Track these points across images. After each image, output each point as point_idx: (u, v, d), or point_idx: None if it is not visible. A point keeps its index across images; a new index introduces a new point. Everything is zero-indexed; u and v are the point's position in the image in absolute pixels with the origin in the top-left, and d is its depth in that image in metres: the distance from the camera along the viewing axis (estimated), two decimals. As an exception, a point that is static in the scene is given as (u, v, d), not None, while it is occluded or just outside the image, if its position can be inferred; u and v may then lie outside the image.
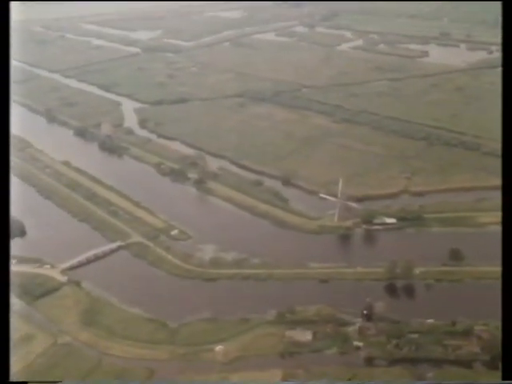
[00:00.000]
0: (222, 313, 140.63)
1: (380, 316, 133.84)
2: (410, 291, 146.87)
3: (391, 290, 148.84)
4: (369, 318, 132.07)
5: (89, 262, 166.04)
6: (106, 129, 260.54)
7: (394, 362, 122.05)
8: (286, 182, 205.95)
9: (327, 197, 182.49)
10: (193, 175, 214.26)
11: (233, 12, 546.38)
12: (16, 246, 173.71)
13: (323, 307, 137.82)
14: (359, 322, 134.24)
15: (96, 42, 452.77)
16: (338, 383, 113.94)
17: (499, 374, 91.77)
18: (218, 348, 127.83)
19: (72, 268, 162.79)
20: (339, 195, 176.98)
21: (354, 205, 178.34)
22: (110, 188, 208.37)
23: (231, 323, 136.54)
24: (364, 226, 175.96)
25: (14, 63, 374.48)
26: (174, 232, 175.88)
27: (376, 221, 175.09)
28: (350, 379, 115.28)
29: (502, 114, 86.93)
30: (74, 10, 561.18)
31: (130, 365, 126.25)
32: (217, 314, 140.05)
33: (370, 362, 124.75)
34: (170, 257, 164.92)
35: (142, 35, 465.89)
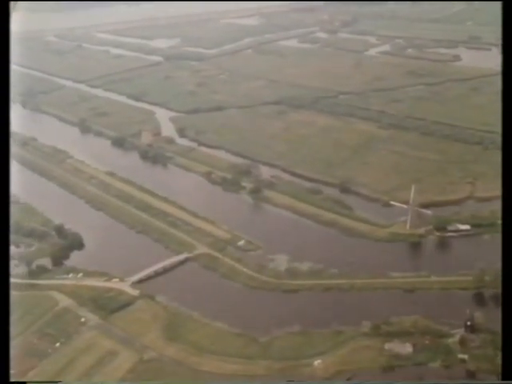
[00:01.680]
0: (311, 325, 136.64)
1: (480, 327, 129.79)
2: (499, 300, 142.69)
3: (479, 299, 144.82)
4: (472, 329, 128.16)
5: (157, 274, 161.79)
6: (146, 138, 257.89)
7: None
8: (345, 190, 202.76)
9: (398, 204, 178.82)
10: (246, 184, 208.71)
11: (249, 19, 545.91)
12: (76, 259, 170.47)
13: (419, 318, 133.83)
14: (458, 333, 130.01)
15: (114, 51, 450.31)
16: (337, 383, 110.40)
17: None
18: (317, 362, 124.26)
19: (141, 281, 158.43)
20: (411, 202, 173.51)
21: (426, 211, 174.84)
22: (163, 198, 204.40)
23: (324, 336, 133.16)
24: (437, 233, 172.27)
25: (34, 73, 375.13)
26: (241, 242, 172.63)
27: (450, 228, 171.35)
28: (349, 379, 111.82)
29: (502, 114, 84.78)
30: (86, 19, 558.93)
31: (225, 381, 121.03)
32: (306, 327, 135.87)
33: (473, 375, 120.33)
34: (242, 268, 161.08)
35: (161, 43, 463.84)
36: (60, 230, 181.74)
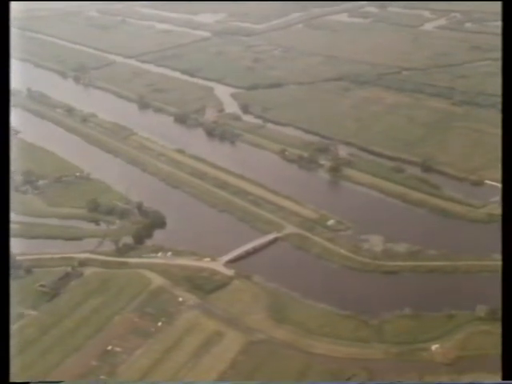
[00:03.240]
0: (420, 308, 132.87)
1: None
2: None
3: None
4: None
5: (248, 254, 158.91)
6: (210, 114, 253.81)
7: None
8: (428, 169, 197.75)
9: (493, 183, 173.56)
10: (324, 162, 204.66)
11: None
12: (159, 238, 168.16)
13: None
14: None
15: (160, 26, 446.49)
16: (337, 383, 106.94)
17: None
18: (435, 347, 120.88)
19: (233, 261, 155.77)
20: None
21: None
22: (239, 176, 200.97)
23: (436, 320, 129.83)
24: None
25: (82, 48, 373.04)
26: (331, 222, 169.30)
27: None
28: (349, 379, 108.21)
29: (502, 115, 79.29)
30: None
31: (341, 365, 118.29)
32: (416, 310, 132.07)
33: None
34: (337, 248, 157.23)
35: (206, 18, 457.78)
36: (141, 208, 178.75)
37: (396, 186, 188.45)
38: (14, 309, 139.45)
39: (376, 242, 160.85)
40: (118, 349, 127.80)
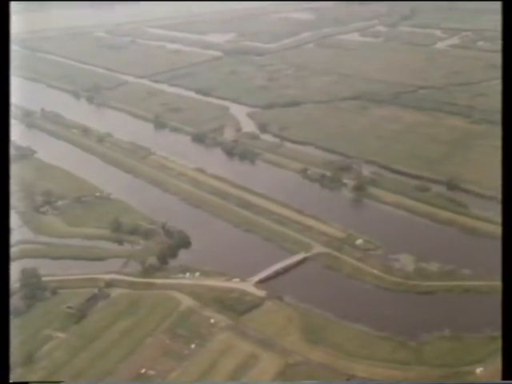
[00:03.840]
0: (459, 330, 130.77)
1: None
2: None
3: None
4: None
5: (277, 274, 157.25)
6: (229, 134, 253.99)
7: None
8: (453, 187, 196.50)
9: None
10: (348, 181, 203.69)
11: (302, 13, 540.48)
12: (184, 258, 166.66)
13: None
14: None
15: (170, 46, 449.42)
16: (337, 383, 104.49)
17: None
18: (479, 370, 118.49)
19: (263, 281, 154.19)
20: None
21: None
22: (261, 195, 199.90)
23: (478, 341, 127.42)
24: None
25: (93, 68, 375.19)
26: (359, 241, 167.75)
27: None
28: (349, 379, 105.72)
29: (502, 115, 78.37)
30: (129, 13, 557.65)
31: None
32: (455, 331, 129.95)
33: None
34: (368, 268, 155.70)
35: (217, 38, 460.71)
36: (166, 228, 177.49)
37: (422, 205, 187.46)
38: (42, 331, 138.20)
39: (407, 262, 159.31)
40: (151, 372, 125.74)
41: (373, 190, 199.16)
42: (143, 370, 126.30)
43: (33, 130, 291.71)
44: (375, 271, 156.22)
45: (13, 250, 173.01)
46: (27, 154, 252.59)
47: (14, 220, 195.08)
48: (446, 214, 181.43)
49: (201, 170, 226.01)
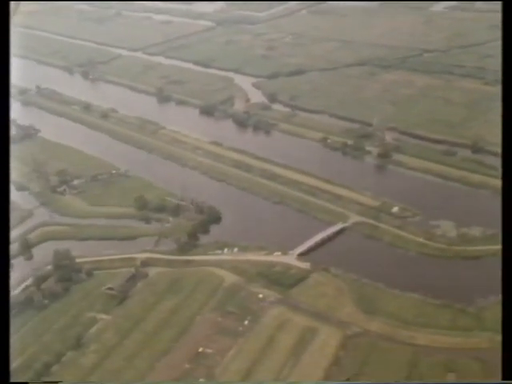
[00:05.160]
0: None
1: None
2: None
3: None
4: None
5: (317, 246, 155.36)
6: (240, 105, 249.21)
7: None
8: (478, 150, 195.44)
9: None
10: (371, 148, 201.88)
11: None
12: (217, 233, 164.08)
13: None
14: None
15: (158, 17, 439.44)
16: (337, 383, 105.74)
17: None
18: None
19: (305, 254, 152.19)
20: None
21: None
22: (285, 166, 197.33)
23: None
24: None
25: (82, 43, 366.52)
26: (395, 209, 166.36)
27: None
28: (348, 379, 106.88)
29: (502, 116, 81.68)
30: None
31: (450, 356, 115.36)
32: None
33: None
34: (409, 236, 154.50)
35: (205, 8, 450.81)
36: (196, 204, 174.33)
37: (452, 169, 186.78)
38: (84, 313, 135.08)
39: (448, 228, 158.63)
40: (209, 350, 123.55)
41: (398, 157, 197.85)
42: (200, 349, 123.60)
43: (30, 108, 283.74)
44: (417, 238, 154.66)
45: (35, 233, 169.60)
46: (31, 133, 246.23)
47: (31, 202, 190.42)
48: (477, 177, 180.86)
49: (217, 143, 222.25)
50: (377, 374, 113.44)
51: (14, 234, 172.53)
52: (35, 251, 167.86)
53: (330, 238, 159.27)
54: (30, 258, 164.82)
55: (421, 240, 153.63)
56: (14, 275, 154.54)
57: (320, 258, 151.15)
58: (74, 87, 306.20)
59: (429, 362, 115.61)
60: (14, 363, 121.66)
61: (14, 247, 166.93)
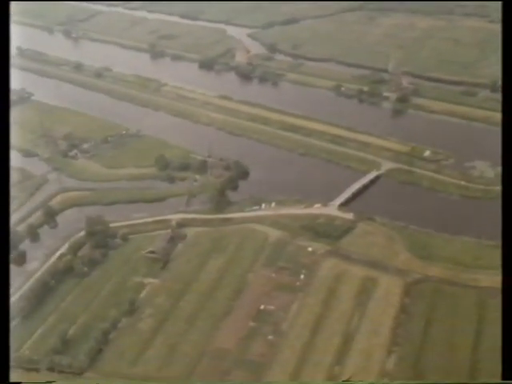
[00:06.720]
0: None
1: None
2: None
3: None
4: None
5: (355, 195, 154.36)
6: (241, 57, 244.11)
7: None
8: (497, 89, 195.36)
9: None
10: (388, 94, 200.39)
11: None
12: (248, 189, 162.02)
13: None
14: None
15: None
16: (337, 383, 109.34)
17: None
18: None
19: (345, 204, 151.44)
20: None
21: None
22: (304, 117, 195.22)
23: None
24: None
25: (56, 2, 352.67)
26: (427, 153, 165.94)
27: None
28: (349, 379, 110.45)
29: (502, 116, 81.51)
30: None
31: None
32: None
33: None
34: (447, 179, 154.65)
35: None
36: (222, 160, 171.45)
37: (475, 110, 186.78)
38: (129, 279, 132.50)
39: (484, 168, 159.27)
40: (270, 307, 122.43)
41: (418, 101, 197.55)
42: (262, 307, 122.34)
43: (16, 71, 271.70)
44: (456, 181, 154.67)
45: (56, 200, 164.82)
46: (24, 96, 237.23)
47: (42, 168, 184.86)
48: (499, 116, 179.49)
49: (226, 97, 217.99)
50: (447, 319, 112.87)
51: (33, 202, 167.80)
52: (59, 219, 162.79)
53: (366, 187, 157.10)
54: (55, 226, 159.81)
55: (459, 182, 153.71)
56: (44, 244, 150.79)
57: (361, 208, 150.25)
58: (58, 47, 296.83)
59: (496, 304, 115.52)
60: (70, 331, 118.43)
61: (36, 216, 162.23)
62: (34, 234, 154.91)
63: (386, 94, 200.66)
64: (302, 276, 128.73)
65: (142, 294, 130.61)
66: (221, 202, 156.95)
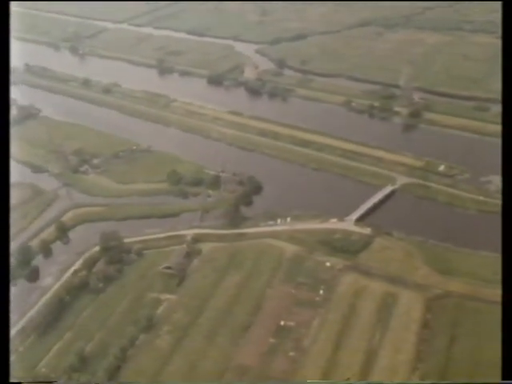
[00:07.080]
0: None
1: None
2: None
3: None
4: None
5: (371, 210, 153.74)
6: (250, 73, 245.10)
7: None
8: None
9: None
10: (399, 109, 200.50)
11: None
12: (261, 204, 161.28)
13: None
14: None
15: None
16: (337, 383, 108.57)
17: None
18: None
19: (361, 219, 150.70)
20: None
21: None
22: (316, 132, 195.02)
23: None
24: None
25: (59, 17, 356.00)
26: (441, 168, 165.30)
27: None
28: (348, 379, 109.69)
29: (502, 116, 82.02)
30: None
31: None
32: None
33: None
34: (463, 194, 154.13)
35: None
36: (236, 175, 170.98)
37: (488, 125, 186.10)
38: (146, 294, 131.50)
39: (500, 183, 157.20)
40: (290, 323, 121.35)
41: (430, 116, 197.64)
42: (282, 323, 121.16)
43: (23, 87, 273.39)
44: (472, 196, 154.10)
45: (68, 216, 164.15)
46: (33, 112, 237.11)
47: (53, 184, 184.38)
48: None
49: (236, 113, 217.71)
50: (472, 335, 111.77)
51: (45, 218, 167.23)
52: (71, 235, 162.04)
53: (382, 201, 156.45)
54: (67, 241, 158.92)
55: (476, 197, 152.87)
56: (58, 260, 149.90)
57: (378, 222, 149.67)
58: (65, 63, 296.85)
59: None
60: (87, 348, 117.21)
61: (49, 231, 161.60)
62: (46, 250, 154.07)
63: (396, 108, 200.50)
64: (321, 291, 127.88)
65: (159, 310, 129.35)
66: (235, 217, 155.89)
